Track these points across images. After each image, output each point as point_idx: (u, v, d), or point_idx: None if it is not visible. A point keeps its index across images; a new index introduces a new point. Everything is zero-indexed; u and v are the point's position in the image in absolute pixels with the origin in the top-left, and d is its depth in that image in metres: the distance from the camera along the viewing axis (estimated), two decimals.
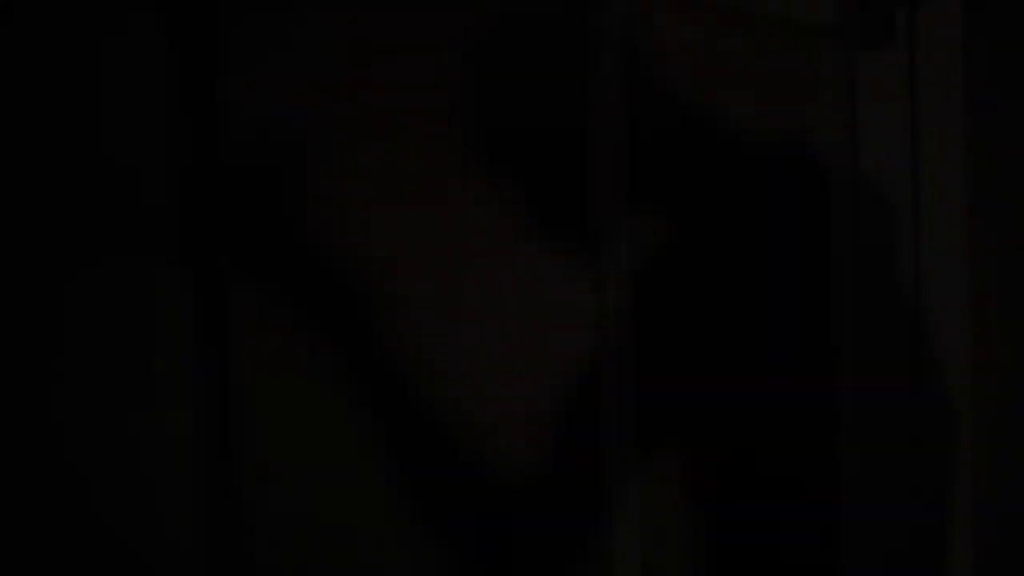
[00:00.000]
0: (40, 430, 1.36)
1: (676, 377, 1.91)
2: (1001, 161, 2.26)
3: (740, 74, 1.99)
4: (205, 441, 1.47)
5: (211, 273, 1.47)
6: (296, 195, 1.54)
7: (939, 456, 2.16)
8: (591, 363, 1.81)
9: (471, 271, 1.69)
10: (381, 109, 1.61)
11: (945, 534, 2.17)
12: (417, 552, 1.64)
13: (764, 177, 2.02)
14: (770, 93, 2.02)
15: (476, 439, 1.69)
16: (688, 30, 1.93)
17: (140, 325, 1.43)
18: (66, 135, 1.38)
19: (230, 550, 1.49)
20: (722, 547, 1.97)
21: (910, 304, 2.13)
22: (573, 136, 1.79)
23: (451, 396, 1.67)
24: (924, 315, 2.14)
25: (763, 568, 2.01)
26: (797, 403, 2.06)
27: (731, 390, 1.97)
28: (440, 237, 1.66)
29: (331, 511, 1.57)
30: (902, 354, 2.13)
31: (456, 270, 1.67)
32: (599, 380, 1.81)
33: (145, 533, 1.43)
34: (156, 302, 1.44)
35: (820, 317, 2.09)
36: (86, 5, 1.39)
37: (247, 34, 1.50)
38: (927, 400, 2.15)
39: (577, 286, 1.80)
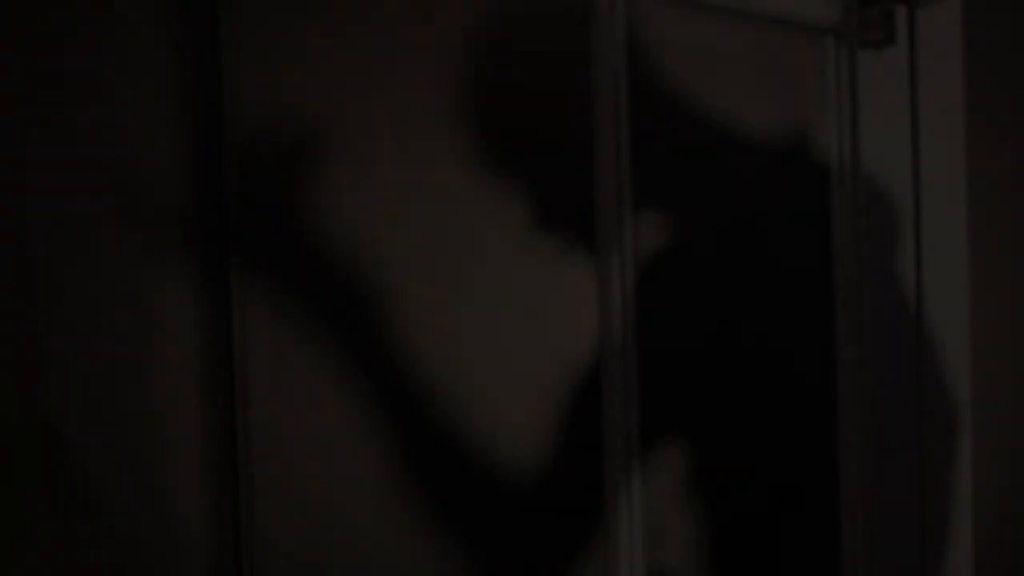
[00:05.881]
0: (43, 428, 1.36)
1: (679, 376, 1.91)
2: (1001, 161, 2.26)
3: (740, 74, 1.99)
4: (211, 438, 1.47)
5: (218, 269, 1.47)
6: (301, 191, 1.53)
7: (939, 455, 2.16)
8: (594, 361, 1.81)
9: (475, 268, 1.69)
10: (385, 107, 1.61)
11: (946, 533, 2.17)
12: (420, 549, 1.63)
13: (764, 176, 2.02)
14: (770, 93, 2.02)
15: (478, 436, 1.68)
16: (689, 30, 1.93)
17: (146, 322, 1.42)
18: (68, 128, 1.38)
19: (238, 548, 1.48)
20: (724, 546, 1.97)
21: (911, 303, 2.13)
22: (577, 134, 1.79)
23: (454, 392, 1.66)
24: (924, 315, 2.14)
25: (764, 568, 2.01)
26: (799, 401, 2.06)
27: (733, 388, 1.97)
28: (444, 234, 1.66)
29: (335, 508, 1.56)
30: (903, 353, 2.13)
31: (460, 267, 1.67)
32: (602, 378, 1.81)
33: (153, 531, 1.42)
34: (161, 298, 1.43)
35: (821, 316, 2.09)
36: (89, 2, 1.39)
37: (252, 27, 1.50)
38: (928, 399, 2.15)
39: (581, 284, 1.79)
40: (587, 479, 1.80)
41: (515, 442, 1.72)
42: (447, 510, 1.65)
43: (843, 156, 2.10)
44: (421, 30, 1.63)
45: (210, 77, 1.46)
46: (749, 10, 1.97)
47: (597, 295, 1.81)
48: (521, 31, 1.73)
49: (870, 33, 2.10)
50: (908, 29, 2.13)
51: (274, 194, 1.51)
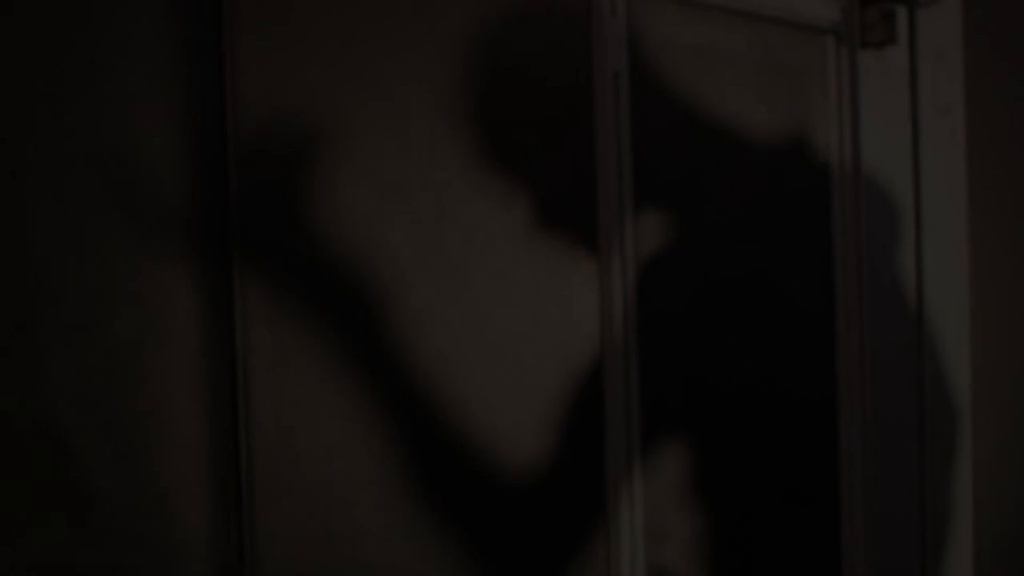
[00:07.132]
0: (43, 428, 1.36)
1: (679, 375, 1.91)
2: (1001, 160, 2.26)
3: (740, 74, 1.99)
4: (213, 438, 1.47)
5: (220, 268, 1.47)
6: (303, 190, 1.53)
7: (940, 455, 2.16)
8: (595, 361, 1.81)
9: (476, 267, 1.69)
10: (386, 107, 1.61)
11: (946, 533, 2.17)
12: (421, 548, 1.63)
13: (765, 176, 2.02)
14: (770, 93, 2.02)
15: (479, 435, 1.68)
16: (689, 30, 1.93)
17: (147, 322, 1.42)
18: (71, 128, 1.38)
19: (240, 547, 1.48)
20: (724, 546, 1.97)
21: (911, 303, 2.13)
22: (577, 134, 1.79)
23: (455, 392, 1.66)
24: (924, 314, 2.14)
25: (764, 567, 2.01)
26: (799, 401, 2.06)
27: (734, 388, 1.97)
28: (445, 233, 1.66)
29: (337, 507, 1.56)
30: (903, 353, 2.13)
31: (461, 266, 1.67)
32: (602, 378, 1.81)
33: (153, 531, 1.42)
34: (163, 298, 1.43)
35: (821, 315, 2.09)
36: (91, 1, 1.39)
37: (254, 27, 1.50)
38: (928, 399, 2.15)
39: (581, 284, 1.79)
40: (588, 479, 1.80)
41: (515, 442, 1.72)
42: (448, 509, 1.65)
43: (843, 156, 2.10)
44: (422, 30, 1.63)
45: (213, 77, 1.46)
46: (749, 10, 1.97)
47: (598, 295, 1.81)
48: (521, 31, 1.73)
49: (870, 33, 2.10)
50: (908, 29, 2.13)
51: (276, 194, 1.51)
